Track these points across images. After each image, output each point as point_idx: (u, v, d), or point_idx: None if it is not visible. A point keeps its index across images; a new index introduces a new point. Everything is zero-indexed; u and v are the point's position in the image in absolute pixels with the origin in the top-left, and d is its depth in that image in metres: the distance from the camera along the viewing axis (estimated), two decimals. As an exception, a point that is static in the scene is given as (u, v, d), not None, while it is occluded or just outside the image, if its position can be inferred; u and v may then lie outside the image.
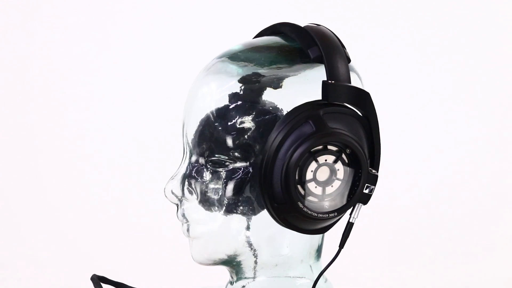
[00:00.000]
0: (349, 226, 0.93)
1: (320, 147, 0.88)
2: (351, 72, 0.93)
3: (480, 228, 1.93)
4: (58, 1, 2.00)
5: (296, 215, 0.90)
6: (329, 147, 0.89)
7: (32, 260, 1.94)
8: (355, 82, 0.94)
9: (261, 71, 0.93)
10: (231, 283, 1.01)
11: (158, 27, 2.00)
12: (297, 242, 0.97)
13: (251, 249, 0.96)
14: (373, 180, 0.91)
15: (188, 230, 0.97)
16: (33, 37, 2.00)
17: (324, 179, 0.90)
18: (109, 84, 2.00)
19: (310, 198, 0.90)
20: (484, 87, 1.97)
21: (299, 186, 0.89)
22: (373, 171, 0.91)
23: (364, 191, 0.91)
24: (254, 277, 0.99)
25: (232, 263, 0.98)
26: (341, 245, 0.93)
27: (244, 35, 1.03)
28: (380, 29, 1.97)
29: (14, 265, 1.94)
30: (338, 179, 0.90)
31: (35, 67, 2.01)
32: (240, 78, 0.93)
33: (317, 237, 0.99)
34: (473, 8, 1.97)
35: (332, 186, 0.90)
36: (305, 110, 0.89)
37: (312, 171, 0.89)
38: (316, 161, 0.89)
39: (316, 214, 0.90)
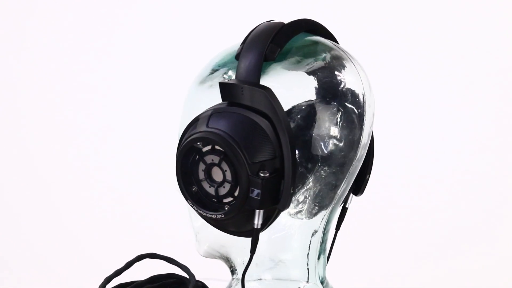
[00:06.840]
0: (255, 232, 0.88)
1: (209, 147, 0.86)
2: (328, 69, 0.92)
3: (480, 228, 1.94)
4: (58, 1, 2.01)
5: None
6: (216, 147, 0.85)
7: (32, 259, 1.95)
8: (323, 80, 0.91)
9: (213, 75, 0.95)
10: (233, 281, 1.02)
11: (157, 27, 2.01)
12: (293, 243, 0.97)
13: (242, 247, 0.96)
14: (256, 184, 0.84)
15: (193, 224, 1.00)
16: (34, 38, 2.01)
17: (219, 180, 0.87)
18: (108, 83, 2.01)
19: (212, 198, 0.88)
20: (484, 87, 1.97)
21: (201, 184, 0.87)
22: (263, 174, 0.85)
23: (250, 194, 0.85)
24: (251, 278, 0.99)
25: (227, 260, 1.00)
26: (252, 251, 0.89)
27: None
28: (379, 28, 1.98)
29: (14, 264, 1.95)
30: (227, 180, 0.86)
31: (35, 67, 2.02)
32: (202, 81, 0.96)
33: (316, 239, 0.98)
34: (473, 8, 1.98)
35: (224, 187, 0.87)
36: (205, 111, 0.88)
37: (203, 170, 0.87)
38: (203, 161, 0.87)
39: (205, 214, 0.88)
